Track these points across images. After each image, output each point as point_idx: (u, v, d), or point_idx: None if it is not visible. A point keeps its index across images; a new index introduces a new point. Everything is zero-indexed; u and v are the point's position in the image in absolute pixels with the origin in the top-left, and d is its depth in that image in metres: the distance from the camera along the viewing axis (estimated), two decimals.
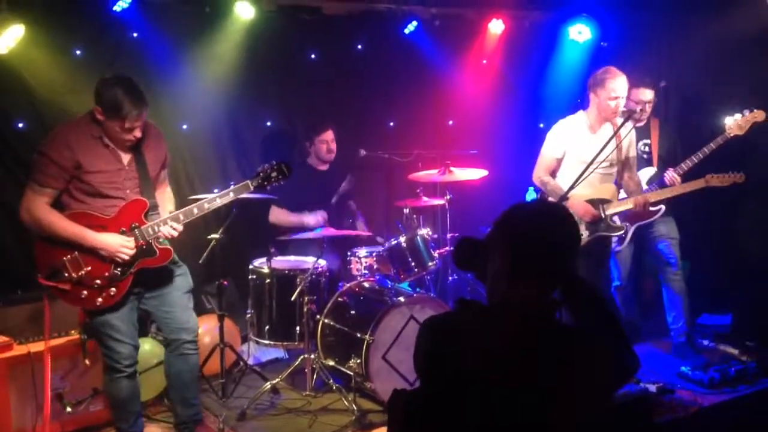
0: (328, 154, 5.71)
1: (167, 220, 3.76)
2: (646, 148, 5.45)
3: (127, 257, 3.64)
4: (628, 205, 4.89)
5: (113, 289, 3.66)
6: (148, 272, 3.80)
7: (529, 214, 2.10)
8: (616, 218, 4.94)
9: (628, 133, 4.88)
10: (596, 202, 4.81)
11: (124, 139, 3.64)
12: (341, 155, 5.85)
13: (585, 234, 4.76)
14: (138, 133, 3.65)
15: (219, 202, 3.90)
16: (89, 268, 3.61)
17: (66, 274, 3.58)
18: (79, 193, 3.63)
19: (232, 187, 4.00)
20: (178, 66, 5.32)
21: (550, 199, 4.80)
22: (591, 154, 4.64)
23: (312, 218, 5.57)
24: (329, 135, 5.70)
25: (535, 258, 2.00)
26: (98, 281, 3.63)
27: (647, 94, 5.29)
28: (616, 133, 4.65)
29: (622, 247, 5.35)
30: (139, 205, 3.73)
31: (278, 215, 5.56)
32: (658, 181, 5.28)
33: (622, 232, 4.96)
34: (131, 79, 3.66)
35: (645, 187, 5.27)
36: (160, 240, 3.80)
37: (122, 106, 3.52)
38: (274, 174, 4.05)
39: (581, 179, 4.49)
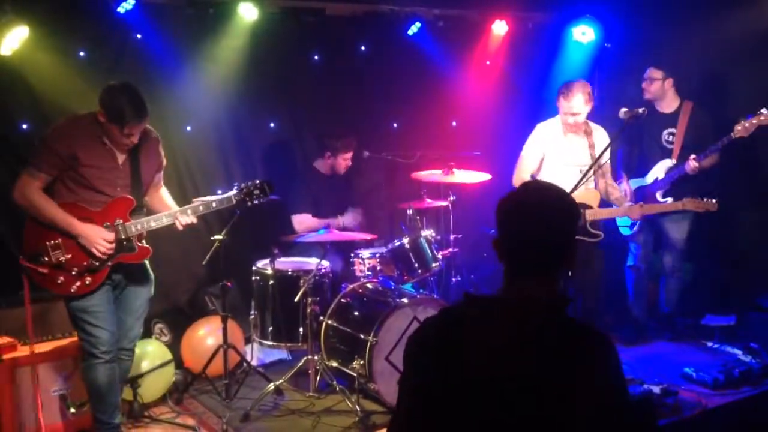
0: (344, 169, 5.78)
1: (150, 219, 3.91)
2: (670, 138, 5.51)
3: (103, 250, 3.74)
4: (620, 213, 5.17)
5: (89, 278, 3.76)
6: (123, 271, 3.92)
7: (519, 202, 1.95)
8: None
9: (609, 142, 4.96)
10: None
11: (121, 142, 3.78)
12: None
13: None
14: (135, 139, 3.80)
15: (202, 210, 4.08)
16: (69, 256, 3.72)
17: (46, 258, 3.70)
18: (71, 183, 3.74)
19: (216, 197, 4.16)
20: (182, 67, 5.33)
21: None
22: (567, 156, 5.01)
23: (349, 218, 5.64)
24: (351, 153, 5.75)
25: (525, 249, 1.89)
26: (76, 269, 3.73)
27: (651, 73, 5.50)
28: (618, 133, 4.71)
29: (634, 231, 5.58)
30: (126, 202, 3.86)
31: (307, 223, 5.55)
32: (675, 171, 5.37)
33: (600, 239, 5.00)
34: (136, 88, 3.77)
35: (662, 176, 5.38)
36: (143, 239, 3.95)
37: (124, 115, 3.67)
38: (256, 192, 4.24)
39: (581, 183, 4.66)
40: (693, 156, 5.24)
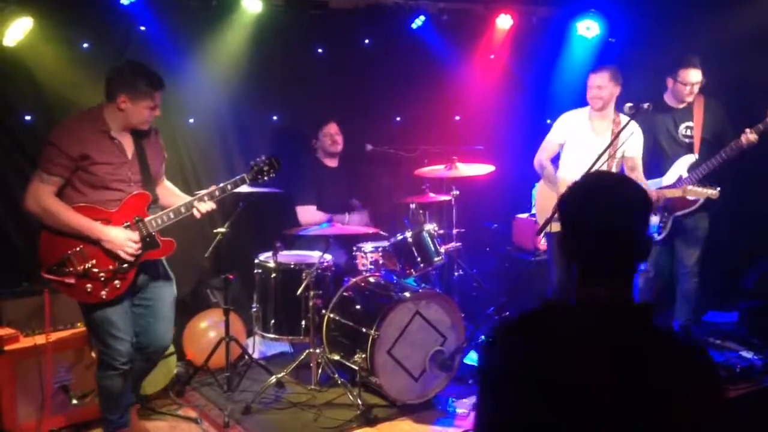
0: (333, 146, 5.74)
1: (169, 212, 3.82)
2: (688, 132, 5.34)
3: (131, 252, 3.65)
4: None
5: (118, 281, 3.67)
6: (148, 271, 3.85)
7: (591, 192, 1.76)
8: None
9: (631, 134, 4.90)
10: None
11: (148, 119, 3.75)
12: (348, 151, 5.85)
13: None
14: (158, 111, 3.78)
15: (218, 195, 4.00)
16: (94, 261, 3.62)
17: (71, 269, 3.58)
18: (82, 184, 3.63)
19: (229, 181, 4.06)
20: (186, 60, 5.32)
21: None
22: (589, 144, 5.00)
23: (356, 219, 5.69)
24: (332, 128, 5.74)
25: (602, 243, 1.71)
26: (103, 274, 3.63)
27: (693, 75, 5.19)
28: (623, 128, 4.69)
29: (661, 237, 5.41)
30: (143, 198, 3.78)
31: (311, 216, 5.55)
32: (711, 162, 5.15)
33: None
34: (141, 62, 3.80)
35: (685, 175, 5.22)
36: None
37: (150, 85, 3.67)
38: (266, 168, 4.17)
39: (590, 170, 4.59)
40: (748, 129, 5.03)
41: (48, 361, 4.08)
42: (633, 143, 5.03)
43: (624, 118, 5.04)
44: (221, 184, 4.03)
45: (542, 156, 5.29)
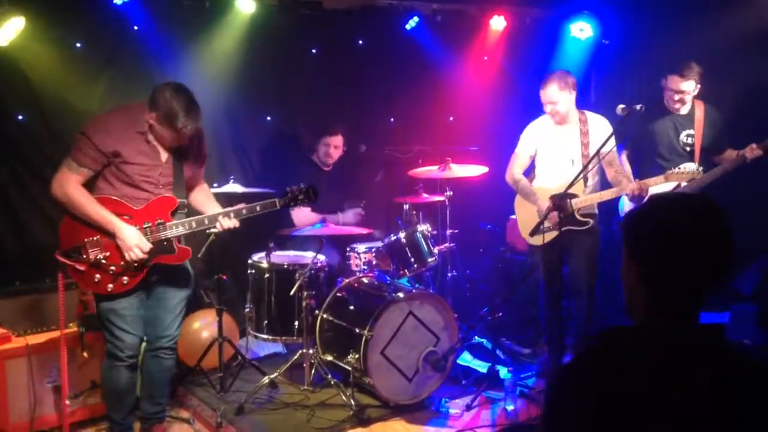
0: (326, 157, 5.72)
1: (192, 221, 3.81)
2: (689, 140, 5.24)
3: (135, 258, 3.63)
4: (614, 194, 4.85)
5: (126, 278, 3.68)
6: (161, 271, 3.83)
7: (660, 218, 1.66)
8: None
9: (609, 134, 4.85)
10: (563, 197, 4.78)
11: (171, 144, 3.70)
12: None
13: (555, 231, 4.82)
14: (185, 141, 3.72)
15: (245, 213, 3.96)
16: (108, 254, 3.63)
17: (84, 256, 3.61)
18: (113, 178, 3.65)
19: (259, 202, 4.01)
20: (179, 60, 5.31)
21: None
22: (560, 148, 4.96)
23: (349, 216, 5.68)
24: (336, 140, 5.70)
25: (701, 270, 1.63)
26: (113, 268, 3.65)
27: (679, 84, 5.08)
28: (609, 137, 4.66)
29: None
30: (169, 202, 3.77)
31: (306, 217, 5.53)
32: (716, 171, 5.04)
33: (588, 226, 4.92)
34: (189, 91, 3.67)
35: (684, 184, 5.01)
36: (182, 240, 3.87)
37: (178, 119, 3.57)
38: (301, 197, 4.13)
39: (581, 175, 4.58)
40: (754, 144, 4.93)
41: (63, 359, 4.05)
42: (607, 139, 4.99)
43: (590, 115, 5.00)
44: (249, 204, 3.98)
45: (514, 170, 5.14)
